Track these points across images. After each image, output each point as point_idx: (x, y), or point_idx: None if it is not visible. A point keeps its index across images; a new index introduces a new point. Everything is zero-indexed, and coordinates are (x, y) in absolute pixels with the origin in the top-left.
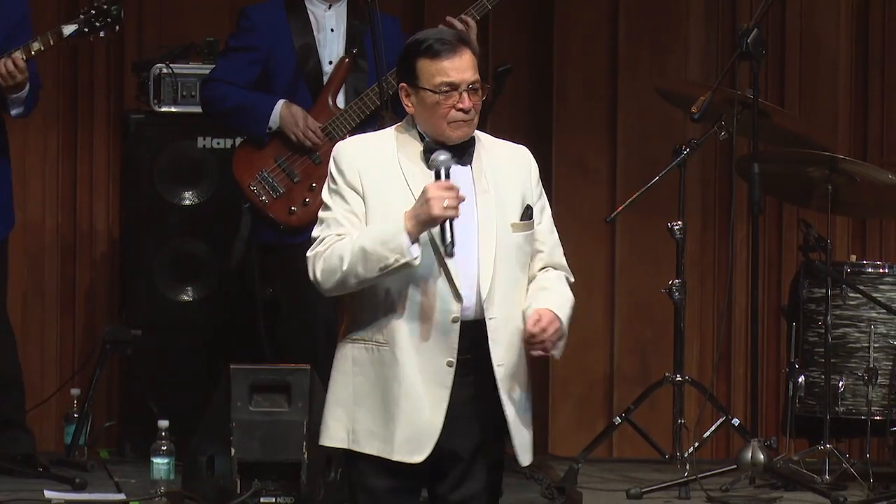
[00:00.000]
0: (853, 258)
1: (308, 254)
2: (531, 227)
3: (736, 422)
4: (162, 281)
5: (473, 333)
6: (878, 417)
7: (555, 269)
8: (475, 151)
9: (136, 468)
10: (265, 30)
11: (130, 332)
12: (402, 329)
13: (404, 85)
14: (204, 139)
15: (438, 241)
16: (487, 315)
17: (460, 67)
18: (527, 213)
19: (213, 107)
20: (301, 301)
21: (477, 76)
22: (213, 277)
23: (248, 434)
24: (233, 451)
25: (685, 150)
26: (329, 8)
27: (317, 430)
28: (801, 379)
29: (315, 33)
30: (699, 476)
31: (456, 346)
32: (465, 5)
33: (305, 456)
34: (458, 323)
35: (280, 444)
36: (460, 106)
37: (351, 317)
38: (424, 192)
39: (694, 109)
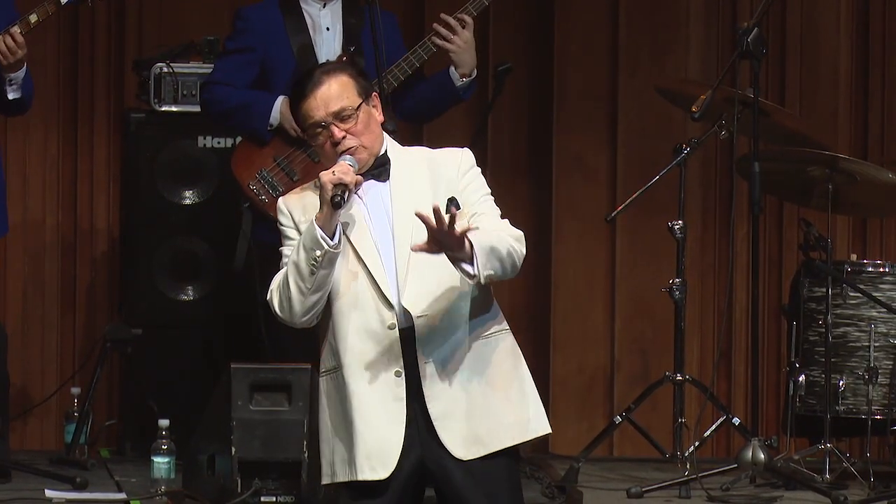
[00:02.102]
0: (853, 257)
1: (267, 298)
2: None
3: (736, 421)
4: (162, 280)
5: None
6: (878, 417)
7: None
8: (394, 167)
9: (136, 467)
10: (261, 30)
11: (131, 330)
12: (347, 349)
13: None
14: (204, 138)
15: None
16: (414, 314)
17: (319, 104)
18: (450, 206)
19: (213, 108)
20: None
21: (343, 104)
22: (214, 276)
23: (249, 433)
24: (233, 450)
25: (685, 149)
26: (324, 7)
27: (317, 429)
28: (802, 378)
29: (311, 32)
30: (700, 475)
31: (400, 353)
32: (465, 2)
33: (306, 455)
34: (396, 329)
35: (281, 444)
36: (332, 140)
37: (319, 352)
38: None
39: (694, 108)
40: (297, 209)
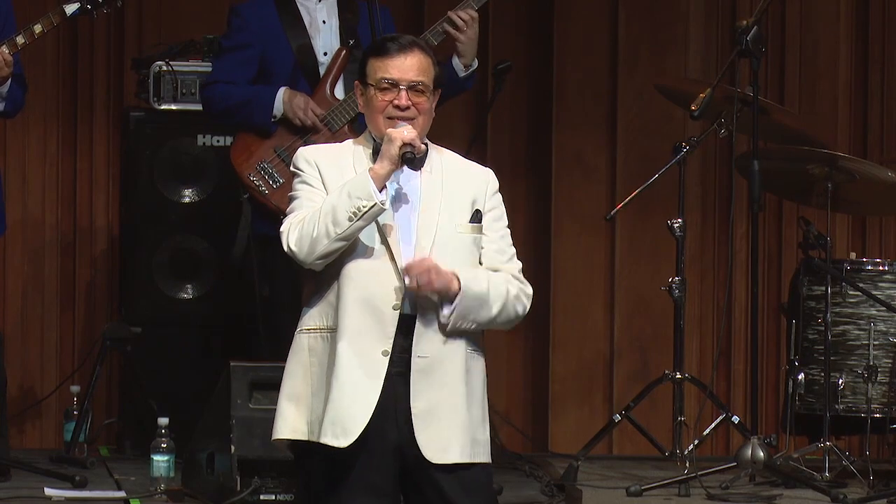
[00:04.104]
0: (853, 255)
1: (281, 229)
2: (480, 230)
3: (736, 419)
4: (162, 278)
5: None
6: (877, 415)
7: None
8: (428, 160)
9: (135, 465)
10: (257, 26)
11: (130, 329)
12: (345, 315)
13: (357, 82)
14: (203, 137)
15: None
16: (421, 306)
17: (403, 67)
18: (476, 217)
19: (215, 106)
20: (300, 294)
21: (423, 78)
22: (213, 275)
23: (248, 431)
24: (233, 448)
25: (685, 147)
26: (320, 1)
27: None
28: (801, 376)
29: (307, 26)
30: (699, 473)
31: (392, 335)
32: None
33: None
34: (398, 312)
35: None
36: (396, 102)
37: (307, 307)
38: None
39: (694, 107)
40: (324, 162)
